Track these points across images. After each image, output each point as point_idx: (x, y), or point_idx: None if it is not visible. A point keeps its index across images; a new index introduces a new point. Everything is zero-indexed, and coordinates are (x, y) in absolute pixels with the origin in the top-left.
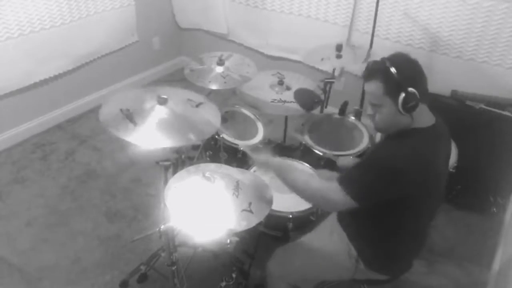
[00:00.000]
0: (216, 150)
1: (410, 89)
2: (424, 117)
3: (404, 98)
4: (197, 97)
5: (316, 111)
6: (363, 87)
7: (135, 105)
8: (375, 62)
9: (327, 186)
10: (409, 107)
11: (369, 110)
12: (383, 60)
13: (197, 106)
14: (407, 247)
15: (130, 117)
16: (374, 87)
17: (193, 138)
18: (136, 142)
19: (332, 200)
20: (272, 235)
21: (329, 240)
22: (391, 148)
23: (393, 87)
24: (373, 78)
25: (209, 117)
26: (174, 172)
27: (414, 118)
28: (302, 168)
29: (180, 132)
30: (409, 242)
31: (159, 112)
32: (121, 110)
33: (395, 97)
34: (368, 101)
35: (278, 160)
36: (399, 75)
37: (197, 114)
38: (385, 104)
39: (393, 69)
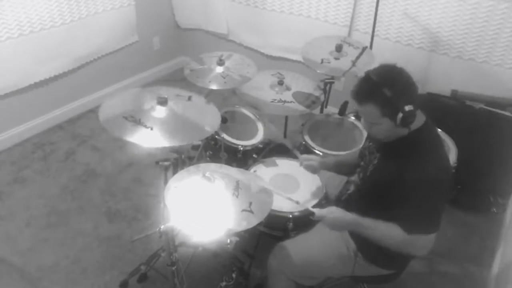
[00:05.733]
0: (216, 150)
1: (408, 107)
2: (417, 119)
3: (403, 117)
4: (184, 92)
5: (316, 111)
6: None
7: (138, 110)
8: (365, 82)
9: (410, 241)
10: (408, 122)
11: (363, 123)
12: (372, 78)
13: (188, 99)
14: None
15: (139, 122)
16: (369, 110)
17: (209, 130)
18: (155, 144)
19: (421, 250)
20: (272, 235)
21: (329, 236)
22: (418, 166)
23: (390, 109)
24: (367, 101)
25: (210, 108)
26: (174, 172)
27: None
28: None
29: (198, 127)
30: None
31: (163, 112)
32: (125, 118)
33: (393, 117)
34: (363, 117)
35: (352, 217)
36: (394, 96)
37: (198, 108)
38: (383, 122)
39: (386, 90)
